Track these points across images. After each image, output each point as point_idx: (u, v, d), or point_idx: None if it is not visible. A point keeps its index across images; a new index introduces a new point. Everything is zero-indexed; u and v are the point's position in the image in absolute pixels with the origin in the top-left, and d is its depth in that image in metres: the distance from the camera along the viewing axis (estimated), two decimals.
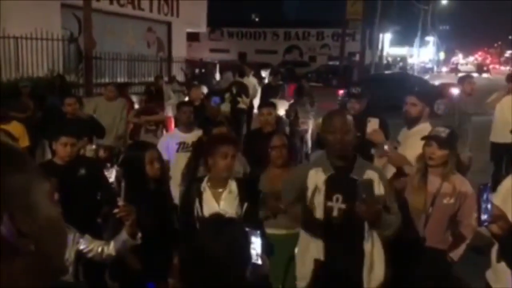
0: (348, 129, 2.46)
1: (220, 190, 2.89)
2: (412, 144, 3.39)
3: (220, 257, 1.54)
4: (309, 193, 2.54)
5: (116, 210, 2.45)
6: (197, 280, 1.59)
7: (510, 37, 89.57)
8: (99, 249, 2.50)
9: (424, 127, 3.44)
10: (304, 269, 2.63)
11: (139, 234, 2.54)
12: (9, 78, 9.09)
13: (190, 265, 1.63)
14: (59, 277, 0.77)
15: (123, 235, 2.47)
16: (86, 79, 10.36)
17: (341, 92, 14.80)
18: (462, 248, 2.99)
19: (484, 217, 2.18)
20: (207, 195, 2.87)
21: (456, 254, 3.00)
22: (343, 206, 2.45)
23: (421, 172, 2.97)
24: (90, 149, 5.20)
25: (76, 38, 11.88)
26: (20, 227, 0.62)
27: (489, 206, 2.20)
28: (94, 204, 3.57)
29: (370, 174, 2.46)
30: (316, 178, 2.52)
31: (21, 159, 0.70)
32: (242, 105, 8.68)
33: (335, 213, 2.46)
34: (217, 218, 1.81)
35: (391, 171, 3.23)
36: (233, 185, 2.91)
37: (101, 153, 5.58)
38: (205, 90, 8.34)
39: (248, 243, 1.67)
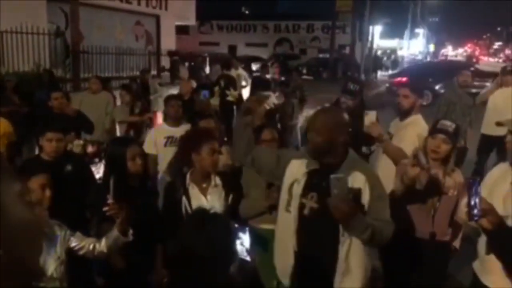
0: (333, 128, 2.29)
1: (205, 184, 2.88)
2: (406, 135, 3.39)
3: (203, 254, 1.51)
4: (287, 184, 2.43)
5: (105, 208, 2.41)
6: (182, 277, 1.56)
7: (498, 28, 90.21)
8: (91, 247, 2.47)
9: (416, 119, 3.46)
10: (279, 263, 2.55)
11: (131, 231, 2.51)
12: None
13: (175, 261, 1.59)
14: (35, 279, 0.73)
15: (114, 232, 2.45)
16: (73, 73, 10.23)
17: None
18: (460, 235, 3.05)
19: (474, 211, 2.17)
20: (194, 190, 2.86)
21: (457, 243, 3.07)
22: (315, 205, 2.33)
23: (424, 167, 2.89)
24: (77, 144, 5.13)
25: (63, 32, 11.71)
26: None
27: (477, 200, 2.19)
28: (83, 200, 3.52)
29: (357, 175, 2.29)
30: (298, 169, 2.40)
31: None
32: (230, 98, 8.63)
33: (306, 211, 2.35)
34: (199, 214, 1.77)
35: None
36: (216, 179, 2.91)
37: (89, 148, 5.51)
38: (194, 84, 8.25)
39: (233, 239, 1.64)
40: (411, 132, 3.06)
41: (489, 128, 6.31)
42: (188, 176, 2.89)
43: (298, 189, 2.38)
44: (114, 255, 2.64)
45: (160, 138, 4.32)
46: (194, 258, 1.51)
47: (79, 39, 10.72)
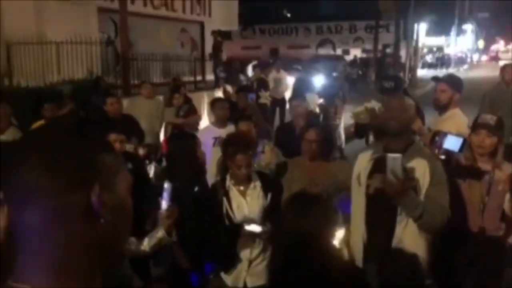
0: (404, 109, 2.57)
1: (244, 186, 3.01)
2: (444, 129, 3.42)
3: (310, 231, 1.65)
4: (355, 175, 2.70)
5: (164, 212, 2.51)
6: (297, 257, 1.69)
7: None
8: (133, 247, 2.54)
9: (455, 113, 3.49)
10: (353, 245, 2.75)
11: (174, 232, 2.63)
12: (51, 82, 9.50)
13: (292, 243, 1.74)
14: (118, 262, 0.86)
15: (160, 232, 2.54)
16: (123, 80, 10.69)
17: None
18: None
19: None
20: (233, 192, 2.99)
21: None
22: (380, 185, 2.48)
23: (470, 161, 2.97)
24: (129, 147, 5.40)
25: (113, 41, 12.26)
26: (103, 198, 0.75)
27: None
28: (140, 199, 3.75)
29: (420, 161, 2.48)
30: (365, 159, 2.68)
31: (114, 149, 0.84)
32: (263, 100, 8.80)
33: (370, 190, 2.54)
34: (303, 196, 1.93)
35: None
36: (256, 180, 3.02)
37: (140, 151, 5.79)
38: (229, 89, 8.40)
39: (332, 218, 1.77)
40: (450, 126, 3.10)
41: None
42: (228, 178, 3.03)
43: (364, 175, 2.62)
44: (179, 254, 2.81)
45: (208, 139, 4.52)
46: (305, 237, 1.65)
47: (128, 47, 11.19)
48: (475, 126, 2.98)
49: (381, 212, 2.55)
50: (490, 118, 2.96)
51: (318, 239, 1.66)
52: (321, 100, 7.80)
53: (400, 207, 2.45)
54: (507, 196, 2.62)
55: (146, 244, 2.54)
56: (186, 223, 2.92)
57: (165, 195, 2.51)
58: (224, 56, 14.50)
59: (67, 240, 0.71)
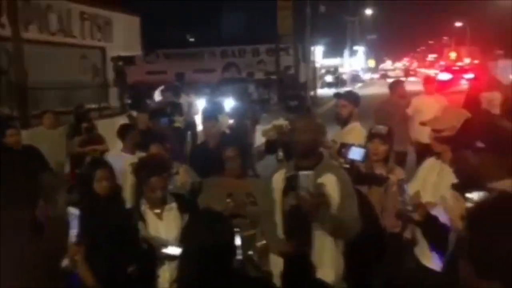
0: (311, 130, 2.71)
1: (160, 209, 3.01)
2: (347, 141, 3.75)
3: (212, 250, 1.70)
4: (272, 195, 2.78)
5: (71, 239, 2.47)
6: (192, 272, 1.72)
7: (430, 42, 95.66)
8: None
9: (355, 126, 3.89)
10: (276, 266, 2.82)
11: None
12: None
13: (187, 257, 1.77)
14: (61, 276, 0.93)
15: (64, 261, 2.44)
16: (21, 111, 10.07)
17: None
18: (411, 226, 3.33)
19: (408, 208, 2.53)
20: (149, 216, 2.98)
21: (408, 233, 3.26)
22: (294, 202, 2.64)
23: (368, 169, 3.29)
24: None
25: (6, 70, 11.51)
26: (47, 212, 0.82)
27: (407, 198, 2.54)
28: None
29: (328, 176, 2.65)
30: (278, 179, 2.77)
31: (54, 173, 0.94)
32: (177, 124, 8.82)
33: (286, 207, 2.68)
34: (207, 215, 1.98)
35: None
36: (171, 202, 3.04)
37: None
38: (135, 114, 8.23)
39: (233, 237, 1.84)
40: (352, 138, 3.46)
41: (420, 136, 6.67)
42: (143, 202, 3.01)
43: (279, 194, 2.72)
44: (86, 274, 2.73)
45: (124, 166, 4.44)
46: (204, 254, 1.69)
47: (24, 76, 10.58)
48: (370, 136, 3.34)
49: (298, 228, 2.67)
50: (382, 128, 3.35)
51: (225, 256, 1.74)
52: (231, 121, 8.00)
53: (315, 222, 2.60)
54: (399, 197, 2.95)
55: None
56: (99, 251, 2.86)
57: (75, 222, 2.45)
58: (129, 81, 14.25)
59: (19, 253, 0.77)
